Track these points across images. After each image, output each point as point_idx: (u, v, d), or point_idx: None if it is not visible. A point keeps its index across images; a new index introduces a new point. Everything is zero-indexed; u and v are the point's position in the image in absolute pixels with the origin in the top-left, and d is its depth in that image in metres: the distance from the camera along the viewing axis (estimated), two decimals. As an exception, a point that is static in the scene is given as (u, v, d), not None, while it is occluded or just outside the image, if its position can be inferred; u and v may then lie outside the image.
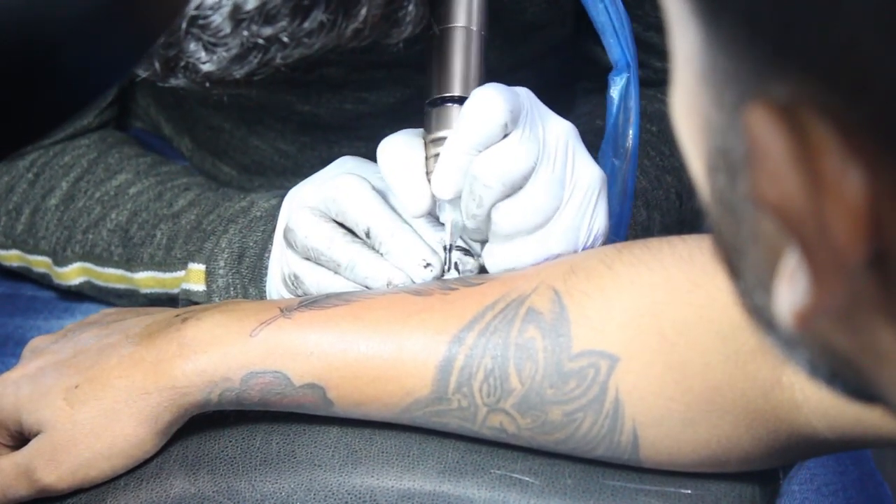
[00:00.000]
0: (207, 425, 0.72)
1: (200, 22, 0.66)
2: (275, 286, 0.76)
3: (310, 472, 0.69)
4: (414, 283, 0.71)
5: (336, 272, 0.72)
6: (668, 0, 0.35)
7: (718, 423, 0.65)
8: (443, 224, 0.72)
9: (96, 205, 0.85)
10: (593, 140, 0.78)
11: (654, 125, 0.89)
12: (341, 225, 0.73)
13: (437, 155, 0.71)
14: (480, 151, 0.69)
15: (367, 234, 0.72)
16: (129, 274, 0.84)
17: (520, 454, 0.70)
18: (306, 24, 0.67)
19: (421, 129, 0.73)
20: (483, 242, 0.73)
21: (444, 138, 0.71)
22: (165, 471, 0.70)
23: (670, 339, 0.65)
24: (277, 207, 0.80)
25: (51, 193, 0.86)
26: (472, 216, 0.70)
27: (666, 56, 0.36)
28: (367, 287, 0.71)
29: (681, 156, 0.37)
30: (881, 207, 0.30)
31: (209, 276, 0.80)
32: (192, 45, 0.67)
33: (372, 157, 0.74)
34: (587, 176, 0.71)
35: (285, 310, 0.69)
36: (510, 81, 0.72)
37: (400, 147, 0.72)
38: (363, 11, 0.68)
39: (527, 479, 0.69)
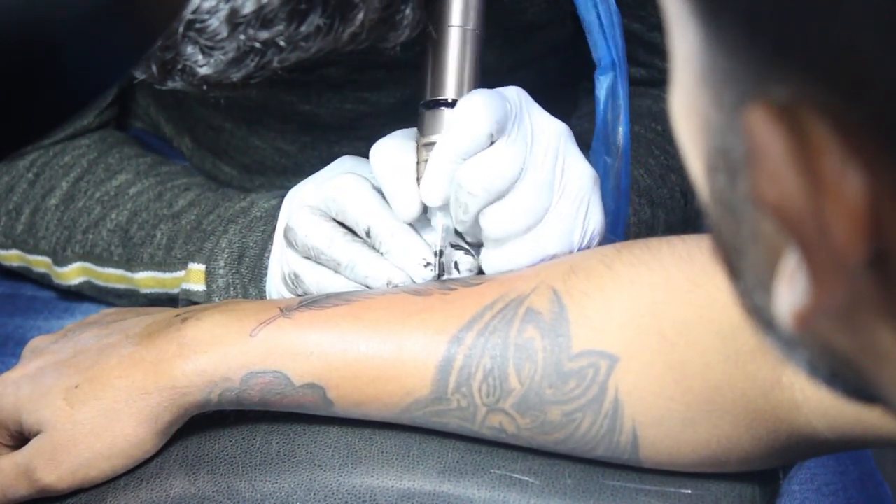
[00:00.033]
0: (207, 425, 0.72)
1: (197, 25, 0.66)
2: (275, 286, 0.76)
3: (310, 472, 0.69)
4: (414, 282, 0.71)
5: (336, 271, 0.72)
6: (667, 0, 0.35)
7: (718, 423, 0.65)
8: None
9: (96, 205, 0.85)
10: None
11: (659, 124, 0.89)
12: (341, 224, 0.73)
13: (427, 160, 0.71)
14: (466, 159, 0.69)
15: (368, 234, 0.72)
16: (129, 274, 0.84)
17: (520, 454, 0.70)
18: (303, 28, 0.67)
19: (415, 131, 0.73)
20: (480, 245, 0.73)
21: (434, 143, 0.71)
22: (165, 471, 0.70)
23: (670, 339, 0.65)
24: (277, 207, 0.80)
25: (51, 193, 0.86)
26: (460, 222, 0.70)
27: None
28: (367, 286, 0.71)
29: None
30: (881, 207, 0.30)
31: (209, 276, 0.80)
32: (189, 49, 0.67)
33: (372, 158, 0.74)
34: (578, 176, 0.71)
35: (285, 310, 0.69)
36: (510, 81, 0.72)
37: (392, 150, 0.72)
38: (360, 15, 0.68)
39: (527, 479, 0.69)
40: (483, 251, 0.72)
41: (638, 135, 0.88)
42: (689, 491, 0.68)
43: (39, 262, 0.87)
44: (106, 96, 0.90)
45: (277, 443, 0.71)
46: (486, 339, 0.67)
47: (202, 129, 0.97)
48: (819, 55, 0.30)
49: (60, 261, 0.86)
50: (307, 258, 0.73)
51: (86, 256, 0.85)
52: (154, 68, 0.69)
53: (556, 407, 0.66)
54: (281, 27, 0.66)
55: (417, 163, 0.72)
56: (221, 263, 0.80)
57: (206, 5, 0.65)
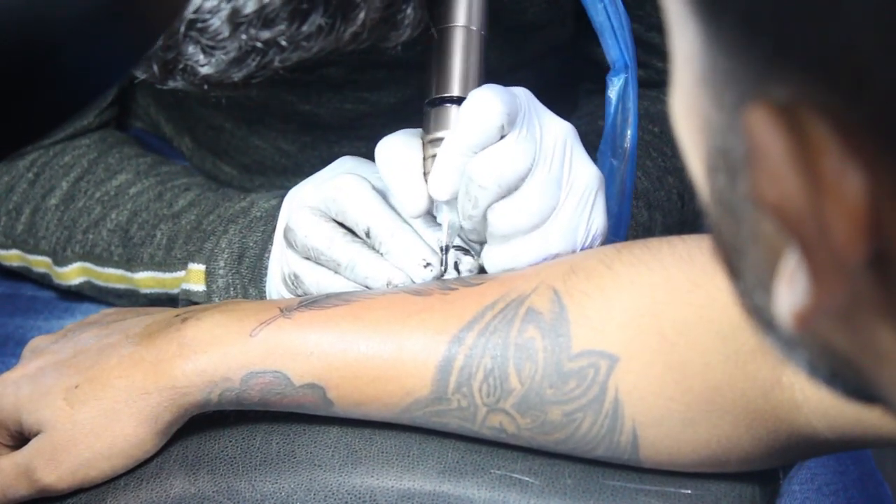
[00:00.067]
0: (207, 425, 0.72)
1: (199, 25, 0.66)
2: (275, 286, 0.76)
3: (310, 472, 0.69)
4: (414, 282, 0.71)
5: (336, 272, 0.72)
6: (667, 0, 0.35)
7: (718, 423, 0.65)
8: (441, 224, 0.72)
9: (96, 205, 0.85)
10: (595, 140, 0.78)
11: (657, 126, 0.89)
12: (341, 225, 0.73)
13: (434, 155, 0.71)
14: (477, 153, 0.69)
15: (367, 234, 0.72)
16: (129, 274, 0.84)
17: (520, 454, 0.70)
18: (305, 28, 0.67)
19: (420, 129, 0.73)
20: (482, 243, 0.73)
21: (441, 139, 0.71)
22: (165, 471, 0.70)
23: (670, 339, 0.65)
24: (277, 208, 0.80)
25: (51, 193, 0.86)
26: (468, 217, 0.70)
27: (668, 57, 0.36)
28: (367, 287, 0.71)
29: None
30: (881, 207, 0.30)
31: (209, 276, 0.80)
32: (191, 48, 0.67)
33: (372, 157, 0.74)
34: (584, 176, 0.71)
35: (285, 310, 0.69)
36: (510, 81, 0.72)
37: (398, 147, 0.72)
38: (361, 15, 0.68)
39: (527, 479, 0.69)
40: (486, 248, 0.72)
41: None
42: (689, 491, 0.68)
43: (39, 262, 0.87)
44: (106, 96, 0.90)
45: (277, 443, 0.71)
46: (487, 339, 0.67)
47: (202, 128, 0.97)
48: (819, 55, 0.30)
49: (60, 261, 0.86)
50: (307, 258, 0.73)
51: (86, 256, 0.85)
52: (155, 68, 0.69)
53: (556, 407, 0.66)
54: (282, 27, 0.66)
55: (424, 159, 0.72)
56: (221, 263, 0.80)
57: (208, 5, 0.66)
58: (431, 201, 0.71)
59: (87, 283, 0.86)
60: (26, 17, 0.35)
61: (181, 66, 0.68)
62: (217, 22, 0.66)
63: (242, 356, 0.68)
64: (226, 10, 0.66)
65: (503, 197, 0.69)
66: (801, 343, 0.37)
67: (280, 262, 0.75)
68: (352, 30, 0.68)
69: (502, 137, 0.69)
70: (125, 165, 0.87)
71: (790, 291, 0.33)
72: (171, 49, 0.68)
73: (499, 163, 0.68)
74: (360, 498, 0.68)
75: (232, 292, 0.80)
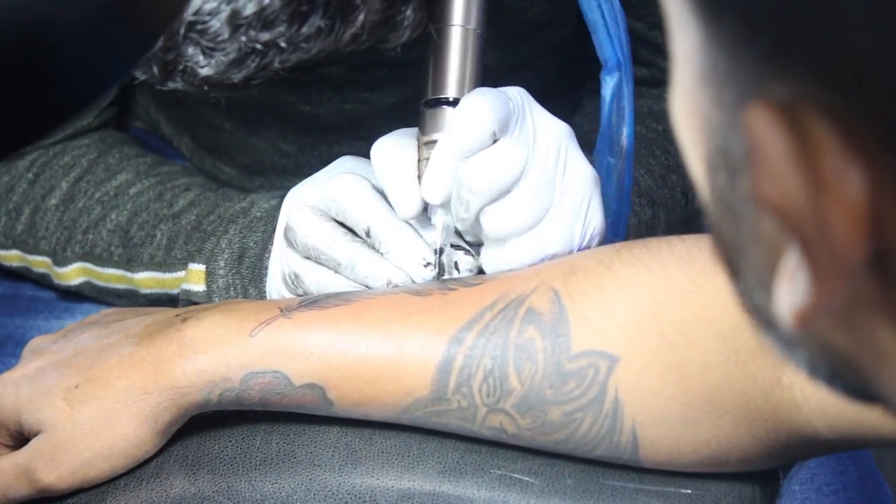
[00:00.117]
0: (207, 425, 0.72)
1: (199, 27, 0.66)
2: (275, 286, 0.76)
3: (310, 472, 0.69)
4: (414, 282, 0.71)
5: (336, 271, 0.72)
6: (667, 0, 0.35)
7: (718, 423, 0.65)
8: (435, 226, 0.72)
9: (96, 205, 0.85)
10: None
11: (660, 124, 0.89)
12: (342, 224, 0.73)
13: (429, 158, 0.71)
14: (469, 157, 0.69)
15: (368, 234, 0.72)
16: (129, 274, 0.84)
17: (520, 454, 0.70)
18: (304, 30, 0.67)
19: (416, 129, 0.73)
20: (480, 245, 0.73)
21: (436, 141, 0.71)
22: (165, 471, 0.70)
23: (670, 339, 0.65)
24: (277, 208, 0.80)
25: (51, 193, 0.86)
26: (461, 220, 0.70)
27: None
28: (367, 286, 0.71)
29: None
30: (881, 207, 0.30)
31: (209, 276, 0.80)
32: (191, 50, 0.67)
33: (371, 157, 0.74)
34: (579, 176, 0.71)
35: (285, 310, 0.69)
36: (510, 81, 0.72)
37: (393, 149, 0.72)
38: (361, 17, 0.68)
39: (527, 479, 0.69)
40: (483, 250, 0.72)
41: (639, 135, 0.88)
42: (689, 491, 0.68)
43: (39, 263, 0.87)
44: (106, 96, 0.90)
45: (277, 443, 0.71)
46: (487, 340, 0.67)
47: (202, 129, 0.97)
48: (819, 55, 0.30)
49: (60, 261, 0.86)
50: (307, 258, 0.73)
51: (86, 257, 0.85)
52: (155, 69, 0.69)
53: (556, 407, 0.66)
54: (282, 28, 0.66)
55: (418, 161, 0.72)
56: (221, 264, 0.80)
57: (208, 7, 0.66)
58: (425, 203, 0.71)
59: (87, 284, 0.86)
60: (26, 17, 0.35)
61: (181, 67, 0.68)
62: (217, 24, 0.66)
63: (242, 356, 0.68)
64: (225, 11, 0.66)
65: (495, 200, 0.69)
66: (801, 343, 0.37)
67: (280, 262, 0.75)
68: (351, 31, 0.68)
69: (495, 141, 0.69)
70: (125, 165, 0.87)
71: (790, 291, 0.33)
72: (171, 50, 0.68)
73: (490, 167, 0.68)
74: (360, 498, 0.68)
75: (232, 292, 0.80)
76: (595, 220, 0.72)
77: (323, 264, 0.72)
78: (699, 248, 0.67)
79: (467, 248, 0.73)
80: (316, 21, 0.67)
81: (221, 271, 0.80)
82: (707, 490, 0.69)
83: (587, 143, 0.76)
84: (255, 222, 0.81)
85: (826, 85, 0.30)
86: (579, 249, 0.71)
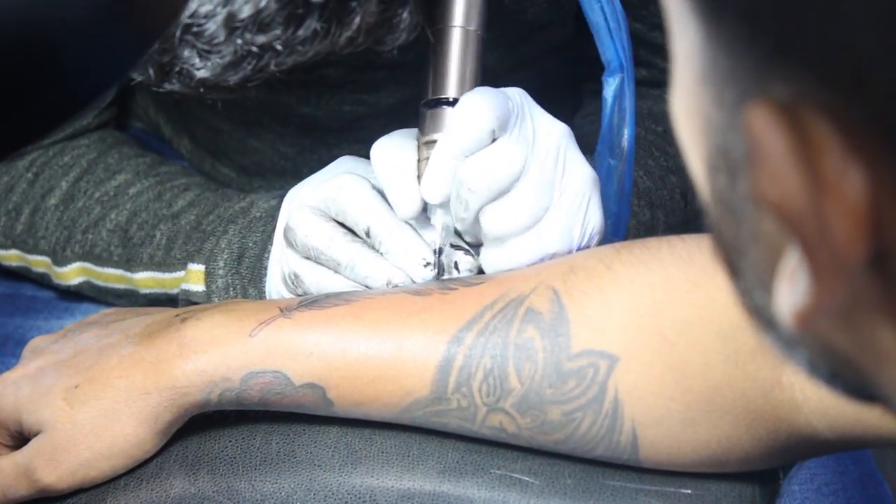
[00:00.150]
0: (207, 425, 0.72)
1: (195, 30, 0.66)
2: (275, 286, 0.76)
3: (310, 472, 0.69)
4: (414, 282, 0.71)
5: (336, 271, 0.72)
6: (668, -1, 0.35)
7: (718, 423, 0.65)
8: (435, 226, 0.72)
9: (96, 205, 0.85)
10: (598, 141, 0.78)
11: (660, 125, 0.89)
12: (341, 224, 0.73)
13: (429, 158, 0.71)
14: (468, 157, 0.69)
15: (367, 234, 0.72)
16: (128, 274, 0.84)
17: (520, 454, 0.70)
18: (300, 33, 0.67)
19: (416, 130, 0.74)
20: (479, 244, 0.73)
21: (435, 141, 0.71)
22: (165, 471, 0.70)
23: (670, 339, 0.65)
24: (277, 208, 0.80)
25: (50, 193, 0.86)
26: (460, 219, 0.70)
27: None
28: (367, 286, 0.71)
29: None
30: (882, 207, 0.30)
31: (208, 276, 0.80)
32: (186, 52, 0.67)
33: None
34: (578, 177, 0.71)
35: (285, 310, 0.69)
36: (510, 82, 0.72)
37: (392, 149, 0.72)
38: (357, 19, 0.68)
39: (527, 479, 0.69)
40: (483, 250, 0.72)
41: (638, 136, 0.88)
42: (689, 491, 0.68)
43: (39, 262, 0.87)
44: (105, 96, 0.90)
45: (277, 443, 0.71)
46: (486, 339, 0.67)
47: (201, 130, 0.97)
48: (819, 54, 0.30)
49: (60, 261, 0.86)
50: (307, 258, 0.73)
51: (85, 256, 0.85)
52: (151, 71, 0.69)
53: (556, 407, 0.66)
54: (278, 31, 0.66)
55: (418, 161, 0.72)
56: (221, 264, 0.80)
57: (204, 9, 0.66)
58: (425, 203, 0.71)
59: (87, 283, 0.86)
60: (26, 17, 0.35)
61: (177, 69, 0.68)
62: (213, 26, 0.66)
63: (242, 356, 0.68)
64: (221, 14, 0.66)
65: (494, 200, 0.69)
66: (801, 342, 0.37)
67: (280, 262, 0.75)
68: (347, 34, 0.68)
69: (494, 141, 0.69)
70: (124, 165, 0.87)
71: (790, 291, 0.33)
72: (167, 52, 0.68)
73: (489, 167, 0.69)
74: (360, 498, 0.68)
75: (231, 292, 0.80)
76: (594, 220, 0.72)
77: (323, 264, 0.72)
78: (699, 248, 0.67)
79: (467, 248, 0.73)
80: (312, 24, 0.67)
81: (221, 271, 0.80)
82: (707, 490, 0.69)
83: (587, 145, 0.76)
84: (255, 222, 0.81)
85: (826, 85, 0.30)
86: (578, 249, 0.72)
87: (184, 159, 1.00)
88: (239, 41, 0.67)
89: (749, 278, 0.36)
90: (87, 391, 0.68)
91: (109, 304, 0.87)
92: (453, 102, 0.72)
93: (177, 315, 0.71)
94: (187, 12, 0.65)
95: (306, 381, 0.68)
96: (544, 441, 0.68)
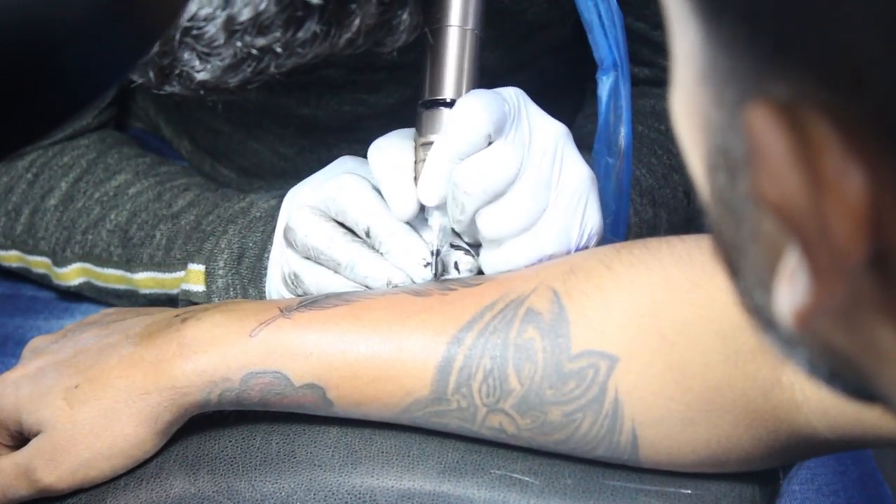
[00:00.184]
0: (207, 425, 0.72)
1: (194, 32, 0.66)
2: (275, 286, 0.76)
3: (310, 472, 0.69)
4: (414, 282, 0.71)
5: (336, 271, 0.72)
6: (668, -1, 0.35)
7: (718, 423, 0.65)
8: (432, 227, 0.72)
9: (96, 205, 0.85)
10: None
11: (663, 124, 0.89)
12: (341, 224, 0.73)
13: (425, 159, 0.71)
14: (463, 159, 0.69)
15: (367, 234, 0.72)
16: (128, 274, 0.84)
17: (520, 454, 0.70)
18: (300, 35, 0.67)
19: (413, 130, 0.74)
20: (479, 245, 0.73)
21: (432, 143, 0.71)
22: (165, 471, 0.70)
23: (670, 339, 0.65)
24: (277, 208, 0.80)
25: (50, 194, 0.86)
26: (457, 221, 0.70)
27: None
28: (366, 286, 0.71)
29: None
30: (882, 207, 0.30)
31: (208, 276, 0.80)
32: (186, 55, 0.67)
33: (371, 159, 0.74)
34: (576, 176, 0.71)
35: (285, 310, 0.69)
36: (511, 82, 0.72)
37: (390, 150, 0.72)
38: (356, 21, 0.68)
39: (527, 479, 0.69)
40: (481, 251, 0.72)
41: (641, 134, 0.88)
42: (689, 491, 0.68)
43: (39, 263, 0.87)
44: (105, 96, 0.90)
45: (277, 443, 0.71)
46: (486, 340, 0.67)
47: (201, 131, 0.97)
48: (819, 54, 0.30)
49: (60, 261, 0.86)
50: (307, 258, 0.73)
51: (85, 257, 0.85)
52: (151, 74, 0.69)
53: (556, 407, 0.66)
54: (277, 34, 0.66)
55: (415, 162, 0.72)
56: (221, 264, 0.80)
57: (203, 12, 0.66)
58: (422, 204, 0.71)
59: (87, 284, 0.86)
60: (26, 18, 0.35)
61: (177, 71, 0.68)
62: (212, 29, 0.66)
63: (242, 356, 0.68)
64: (221, 17, 0.66)
65: (490, 202, 0.69)
66: (801, 342, 0.37)
67: (280, 262, 0.75)
68: (347, 36, 0.68)
69: (490, 143, 0.69)
70: (124, 166, 0.87)
71: (790, 290, 0.33)
72: (167, 55, 0.68)
73: (484, 170, 0.69)
74: (360, 498, 0.68)
75: (231, 292, 0.80)
76: (592, 220, 0.72)
77: (323, 264, 0.72)
78: (699, 248, 0.67)
79: (467, 248, 0.73)
80: (311, 26, 0.67)
81: (221, 271, 0.80)
82: (707, 490, 0.69)
83: (590, 144, 0.76)
84: (255, 222, 0.81)
85: (826, 85, 0.30)
86: (577, 250, 0.72)
87: (184, 160, 1.00)
88: (238, 44, 0.67)
89: (749, 278, 0.36)
90: (87, 391, 0.68)
91: (109, 305, 0.87)
92: (450, 103, 0.72)
93: (177, 315, 0.71)
94: (187, 15, 0.65)
95: (306, 381, 0.68)
96: (544, 442, 0.68)
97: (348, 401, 0.68)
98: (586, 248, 0.72)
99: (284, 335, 0.68)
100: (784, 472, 0.71)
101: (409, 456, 0.70)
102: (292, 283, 0.74)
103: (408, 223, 0.72)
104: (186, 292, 0.81)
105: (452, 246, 0.72)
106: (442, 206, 0.71)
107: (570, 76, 0.98)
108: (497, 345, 0.67)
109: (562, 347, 0.66)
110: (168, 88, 0.70)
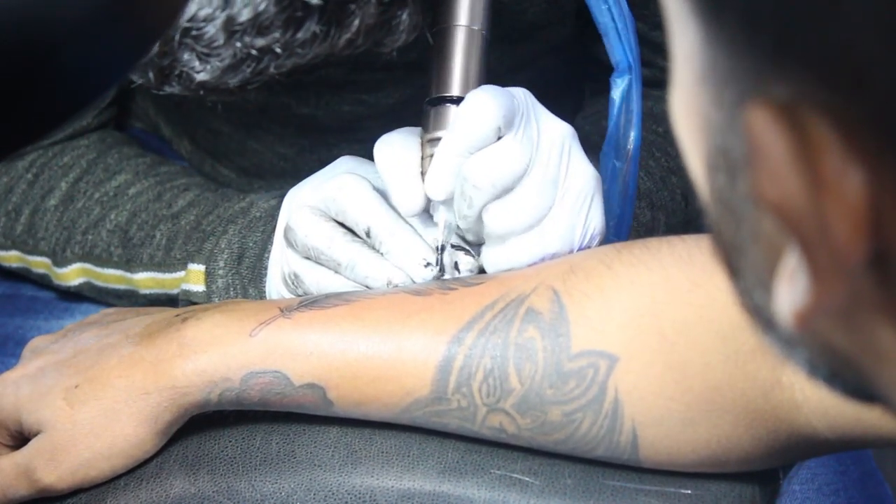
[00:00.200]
0: (207, 425, 0.72)
1: (194, 33, 0.66)
2: (275, 286, 0.76)
3: (310, 472, 0.69)
4: (414, 282, 0.71)
5: (336, 271, 0.72)
6: (667, -1, 0.35)
7: (718, 423, 0.65)
8: (438, 223, 0.72)
9: (96, 205, 0.85)
10: (599, 141, 0.78)
11: (661, 126, 0.89)
12: (341, 224, 0.73)
13: (432, 155, 0.71)
14: (473, 154, 0.69)
15: (368, 234, 0.72)
16: (128, 275, 0.84)
17: (520, 454, 0.70)
18: (299, 35, 0.67)
19: (418, 128, 0.74)
20: (480, 244, 0.73)
21: (439, 139, 0.71)
22: (165, 471, 0.70)
23: (670, 339, 0.65)
24: (277, 208, 0.80)
25: (50, 194, 0.86)
26: (463, 217, 0.70)
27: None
28: (367, 286, 0.71)
29: None
30: (881, 207, 0.30)
31: (209, 276, 0.80)
32: (186, 55, 0.67)
33: (371, 160, 0.74)
34: (581, 177, 0.71)
35: (285, 310, 0.69)
36: (511, 82, 0.72)
37: (396, 145, 0.72)
38: (356, 22, 0.68)
39: (527, 479, 0.69)
40: (484, 249, 0.72)
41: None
42: (689, 491, 0.68)
43: (39, 263, 0.87)
44: (105, 96, 0.90)
45: (277, 443, 0.71)
46: (487, 340, 0.67)
47: (201, 132, 0.97)
48: (819, 54, 0.30)
49: (60, 262, 0.86)
50: (307, 258, 0.73)
51: (85, 257, 0.85)
52: (151, 74, 0.69)
53: (556, 407, 0.66)
54: (277, 34, 0.67)
55: (422, 158, 0.72)
56: (221, 264, 0.80)
57: (203, 13, 0.66)
58: (428, 200, 0.71)
59: (87, 284, 0.86)
60: (26, 17, 0.35)
61: (177, 72, 0.68)
62: (212, 30, 0.66)
63: (242, 356, 0.68)
64: (220, 18, 0.66)
65: (498, 197, 0.69)
66: (800, 342, 0.37)
67: (280, 262, 0.75)
68: (346, 36, 0.68)
69: (499, 139, 0.69)
70: (124, 166, 0.87)
71: (790, 290, 0.33)
72: (167, 56, 0.68)
73: (494, 164, 0.68)
74: (360, 498, 0.68)
75: (231, 292, 0.80)
76: (596, 220, 0.72)
77: (323, 264, 0.72)
78: (699, 248, 0.67)
79: (468, 248, 0.73)
80: (311, 26, 0.67)
81: (221, 271, 0.80)
82: (707, 490, 0.69)
83: (588, 145, 0.76)
84: (255, 222, 0.81)
85: (826, 85, 0.30)
86: (579, 249, 0.72)
87: (184, 160, 1.00)
88: (238, 44, 0.67)
89: (749, 278, 0.36)
90: (87, 391, 0.68)
91: (109, 305, 0.87)
92: (457, 100, 0.72)
93: (177, 315, 0.71)
94: (186, 16, 0.66)
95: (306, 381, 0.68)
96: (544, 441, 0.68)
97: (348, 401, 0.68)
98: (589, 248, 0.72)
99: (284, 335, 0.68)
100: (784, 472, 0.71)
101: (409, 456, 0.70)
102: (292, 283, 0.74)
103: (411, 222, 0.72)
104: (186, 292, 0.81)
105: (453, 246, 0.73)
106: (448, 203, 0.71)
107: (570, 76, 0.98)
108: (497, 344, 0.67)
109: (562, 347, 0.66)
110: (168, 89, 0.70)
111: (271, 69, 0.68)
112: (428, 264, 0.71)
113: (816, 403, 0.63)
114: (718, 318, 0.64)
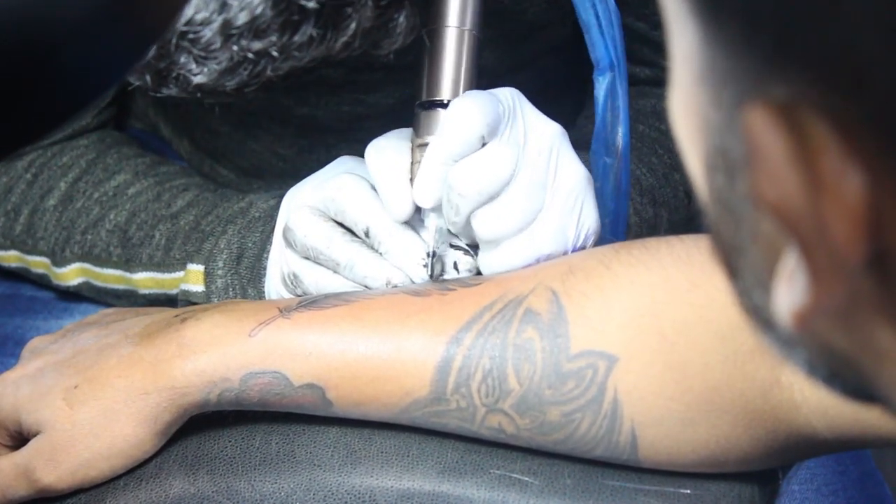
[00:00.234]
0: (207, 425, 0.72)
1: (191, 36, 0.66)
2: (274, 286, 0.76)
3: (309, 472, 0.69)
4: (413, 282, 0.71)
5: (335, 271, 0.72)
6: (666, -1, 0.35)
7: (717, 423, 0.65)
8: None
9: (95, 205, 0.85)
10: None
11: (663, 123, 0.89)
12: (340, 224, 0.73)
13: (420, 161, 0.71)
14: (458, 161, 0.69)
15: (367, 234, 0.72)
16: (127, 275, 0.84)
17: (519, 454, 0.70)
18: (296, 38, 0.67)
19: (410, 131, 0.74)
20: (477, 246, 0.73)
21: (428, 144, 0.71)
22: (165, 471, 0.70)
23: (670, 339, 0.65)
24: (276, 208, 0.80)
25: (49, 194, 0.86)
26: (452, 223, 0.70)
27: None
28: (366, 286, 0.72)
29: None
30: (880, 207, 0.30)
31: (208, 276, 0.80)
32: (183, 58, 0.67)
33: (370, 159, 0.74)
34: (571, 176, 0.71)
35: (284, 310, 0.69)
36: (510, 82, 0.72)
37: (386, 151, 0.72)
38: (353, 25, 0.68)
39: (526, 479, 0.69)
40: (479, 252, 0.72)
41: (641, 134, 0.88)
42: (689, 491, 0.68)
43: (38, 263, 0.87)
44: (105, 97, 0.90)
45: (277, 443, 0.71)
46: (485, 340, 0.67)
47: (200, 132, 0.97)
48: (819, 54, 0.30)
49: (59, 261, 0.86)
50: (306, 258, 0.73)
51: (84, 257, 0.85)
52: (148, 77, 0.69)
53: (555, 407, 0.66)
54: (274, 38, 0.67)
55: (412, 163, 0.72)
56: (220, 264, 0.80)
57: (200, 16, 0.66)
58: (418, 206, 0.72)
59: (86, 284, 0.86)
60: (26, 17, 0.35)
61: (174, 75, 0.68)
62: (209, 33, 0.66)
63: (241, 356, 0.68)
64: (217, 21, 0.66)
65: (485, 203, 0.69)
66: (799, 342, 0.37)
67: (279, 262, 0.75)
68: (343, 39, 0.68)
69: (485, 144, 0.69)
70: (123, 166, 0.87)
71: (789, 291, 0.33)
72: (164, 58, 0.68)
73: (478, 171, 0.69)
74: (359, 498, 0.68)
75: (231, 293, 0.80)
76: (589, 220, 0.72)
77: (322, 264, 0.72)
78: (698, 248, 0.67)
79: (466, 248, 0.73)
80: (308, 30, 0.67)
81: (220, 272, 0.80)
82: (707, 490, 0.69)
83: (590, 145, 0.76)
84: (254, 222, 0.81)
85: (826, 85, 0.30)
86: (574, 250, 0.72)
87: (183, 160, 1.00)
88: (235, 48, 0.67)
89: (748, 278, 0.36)
90: (87, 391, 0.68)
91: (109, 305, 0.87)
92: (447, 105, 0.72)
93: (176, 315, 0.71)
94: (183, 19, 0.66)
95: (305, 381, 0.68)
96: (543, 441, 0.68)
97: (347, 401, 0.68)
98: (583, 248, 0.72)
99: (284, 335, 0.68)
100: (783, 472, 0.71)
101: (408, 456, 0.70)
102: (291, 284, 0.74)
103: (406, 223, 0.72)
104: (185, 292, 0.81)
105: (452, 246, 0.73)
106: (438, 208, 0.71)
107: (570, 76, 0.98)
108: (496, 345, 0.67)
109: (561, 347, 0.66)
110: (165, 91, 0.70)
111: (268, 72, 0.68)
112: (425, 265, 0.71)
113: (815, 403, 0.63)
114: (717, 318, 0.64)
